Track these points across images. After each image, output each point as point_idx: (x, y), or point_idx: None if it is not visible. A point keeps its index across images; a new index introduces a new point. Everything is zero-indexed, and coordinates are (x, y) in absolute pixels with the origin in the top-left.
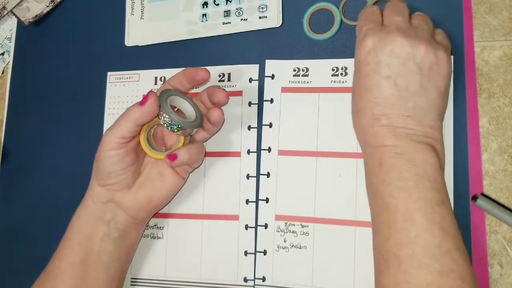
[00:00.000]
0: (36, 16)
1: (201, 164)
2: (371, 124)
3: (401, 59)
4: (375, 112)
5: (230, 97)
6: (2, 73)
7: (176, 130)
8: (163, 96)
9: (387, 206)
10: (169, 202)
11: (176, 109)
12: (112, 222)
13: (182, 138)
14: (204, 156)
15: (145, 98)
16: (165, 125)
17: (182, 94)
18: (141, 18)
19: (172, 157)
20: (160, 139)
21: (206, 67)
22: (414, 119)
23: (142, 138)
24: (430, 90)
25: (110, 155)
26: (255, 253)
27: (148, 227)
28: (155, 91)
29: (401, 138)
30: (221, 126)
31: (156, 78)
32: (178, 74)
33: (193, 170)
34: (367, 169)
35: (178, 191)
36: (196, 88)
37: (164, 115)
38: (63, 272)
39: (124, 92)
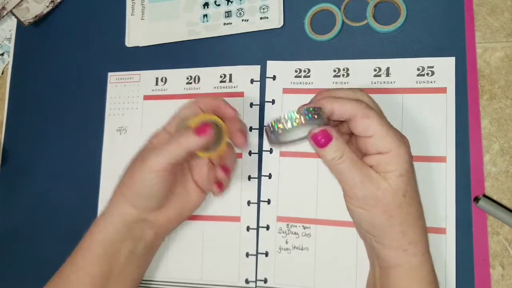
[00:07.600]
0: (36, 16)
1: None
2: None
3: None
4: None
5: (231, 98)
6: (2, 73)
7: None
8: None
9: None
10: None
11: None
12: (140, 240)
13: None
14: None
15: (203, 129)
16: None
17: None
18: (142, 19)
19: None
20: None
21: (219, 99)
22: None
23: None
24: None
25: (155, 180)
26: (256, 255)
27: None
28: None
29: None
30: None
31: (157, 78)
32: (208, 100)
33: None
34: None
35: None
36: None
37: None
38: (79, 284)
39: (125, 93)
